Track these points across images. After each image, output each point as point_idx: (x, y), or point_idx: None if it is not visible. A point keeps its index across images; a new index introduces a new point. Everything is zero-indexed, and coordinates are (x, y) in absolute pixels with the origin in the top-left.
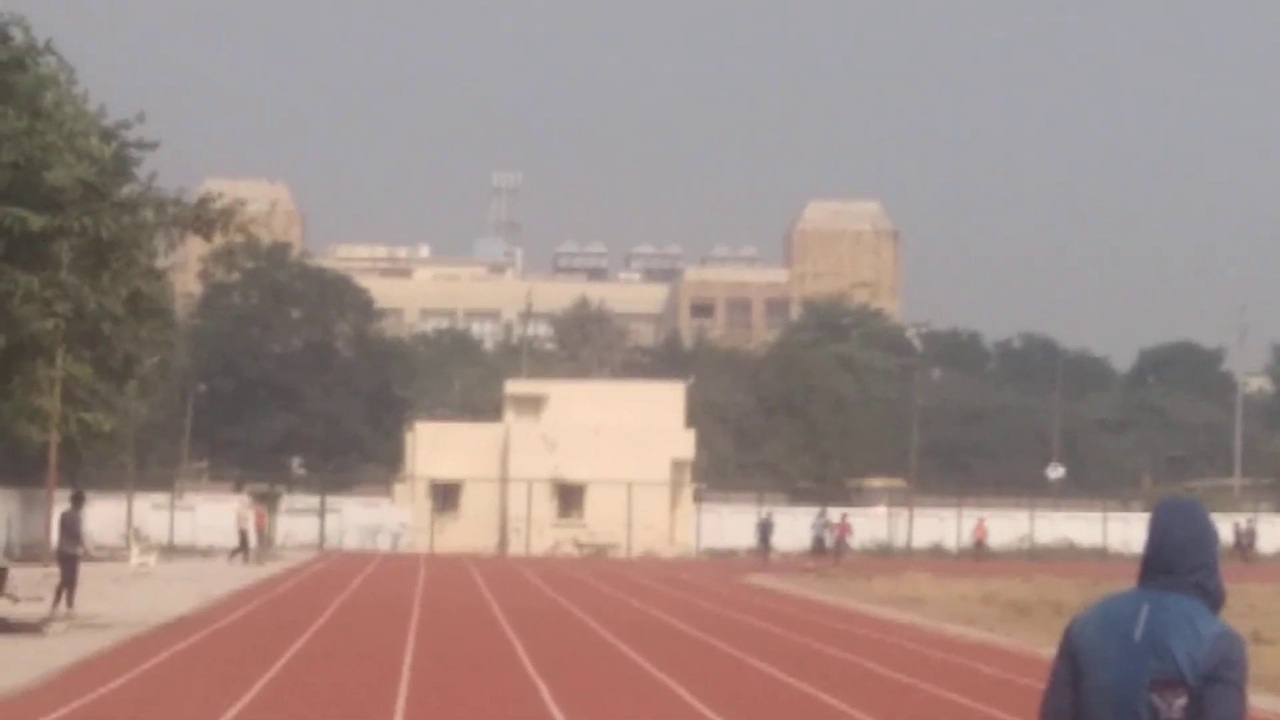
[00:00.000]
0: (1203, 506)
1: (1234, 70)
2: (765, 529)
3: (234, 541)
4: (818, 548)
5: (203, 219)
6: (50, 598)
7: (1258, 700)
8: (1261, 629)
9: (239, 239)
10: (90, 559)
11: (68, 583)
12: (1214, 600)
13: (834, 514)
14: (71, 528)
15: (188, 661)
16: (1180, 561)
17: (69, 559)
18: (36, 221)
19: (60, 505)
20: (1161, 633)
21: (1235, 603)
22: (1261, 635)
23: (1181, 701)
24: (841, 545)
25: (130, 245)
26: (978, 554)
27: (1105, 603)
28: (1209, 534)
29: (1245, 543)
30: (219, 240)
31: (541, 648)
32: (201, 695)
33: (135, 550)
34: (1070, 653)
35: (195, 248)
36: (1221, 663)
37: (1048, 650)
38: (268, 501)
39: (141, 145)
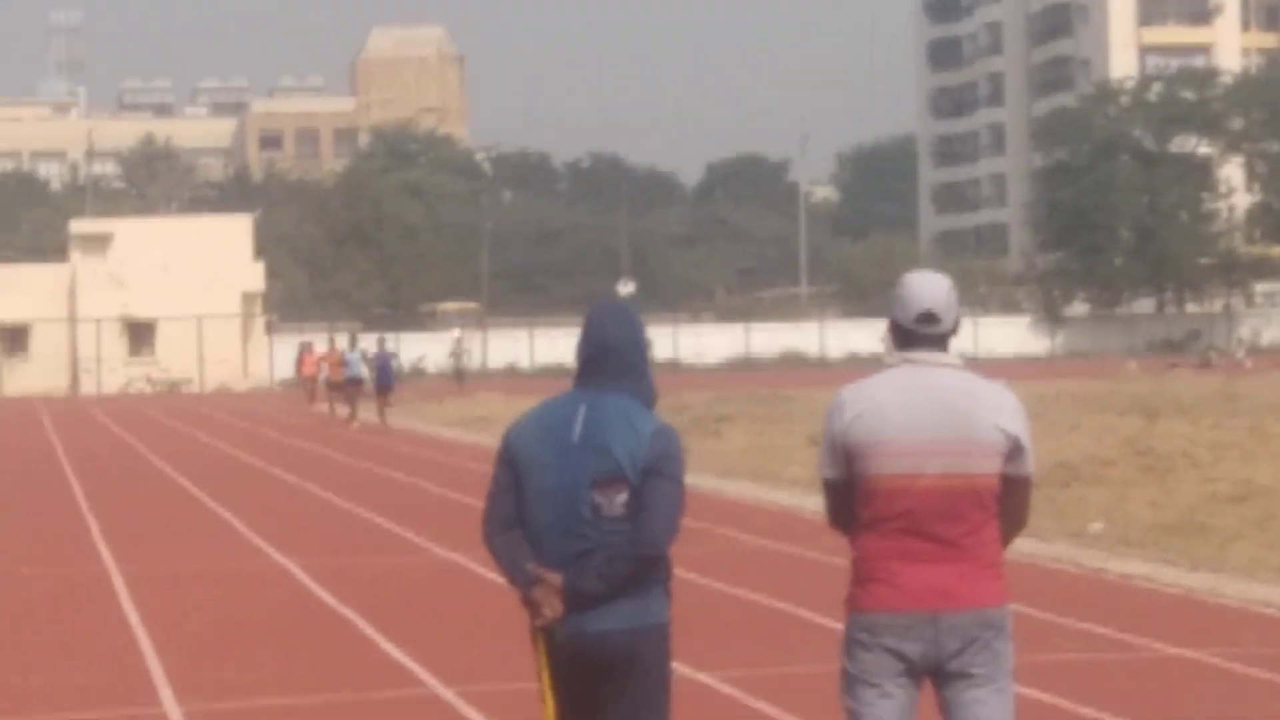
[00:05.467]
0: (634, 309)
1: None
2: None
3: None
4: None
5: None
6: None
7: (708, 482)
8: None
9: None
10: None
11: None
12: (647, 398)
13: None
14: None
15: None
16: (615, 361)
17: None
18: None
19: None
20: (600, 432)
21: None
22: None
23: (623, 497)
24: None
25: None
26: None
27: (542, 407)
28: (641, 335)
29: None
30: None
31: (100, 486)
32: None
33: None
34: (509, 459)
35: None
36: (660, 457)
37: None
38: None
39: None
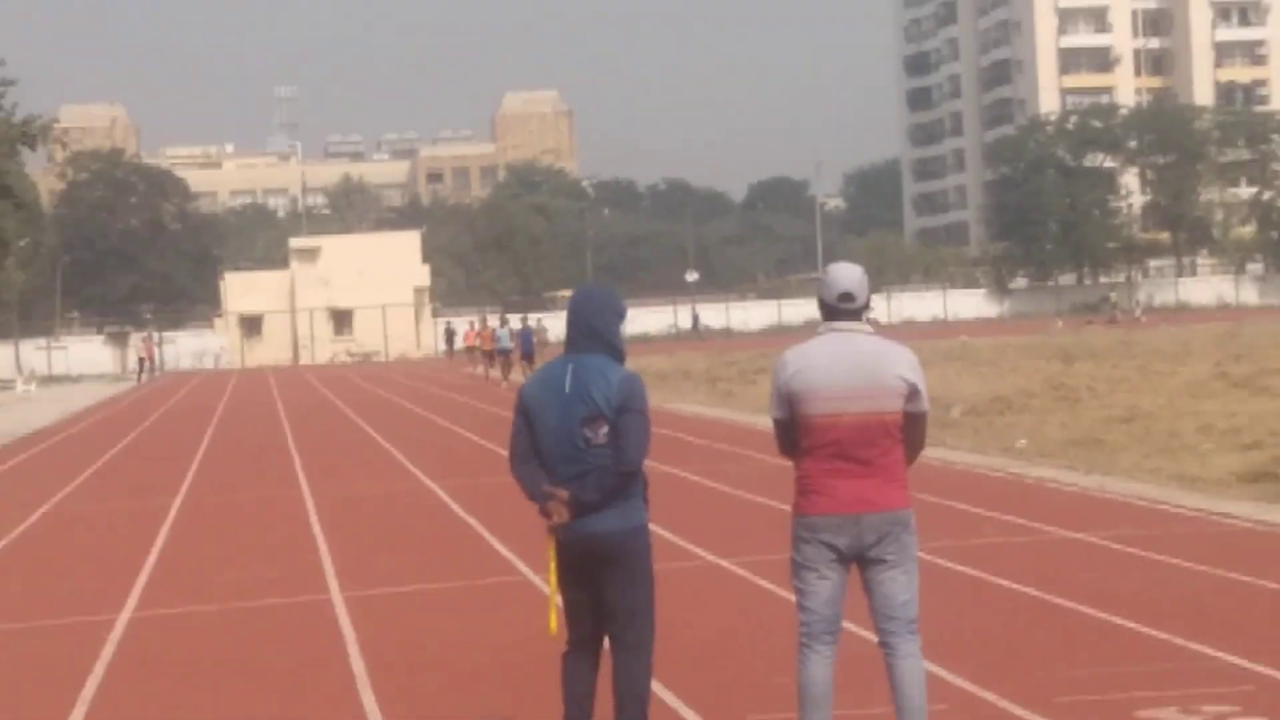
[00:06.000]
0: (611, 291)
1: None
2: (449, 334)
3: (101, 370)
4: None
5: (27, 135)
6: None
7: (745, 417)
8: None
9: (57, 148)
10: None
11: None
12: (618, 355)
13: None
14: None
15: (43, 460)
16: (589, 330)
17: None
18: None
19: None
20: (583, 382)
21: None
22: None
23: (604, 430)
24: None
25: None
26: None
27: (544, 368)
28: (609, 310)
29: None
30: (42, 149)
31: (305, 430)
32: (53, 483)
33: (19, 381)
34: (523, 408)
35: (57, 155)
36: (627, 397)
37: (674, 405)
38: (157, 339)
39: (5, 82)
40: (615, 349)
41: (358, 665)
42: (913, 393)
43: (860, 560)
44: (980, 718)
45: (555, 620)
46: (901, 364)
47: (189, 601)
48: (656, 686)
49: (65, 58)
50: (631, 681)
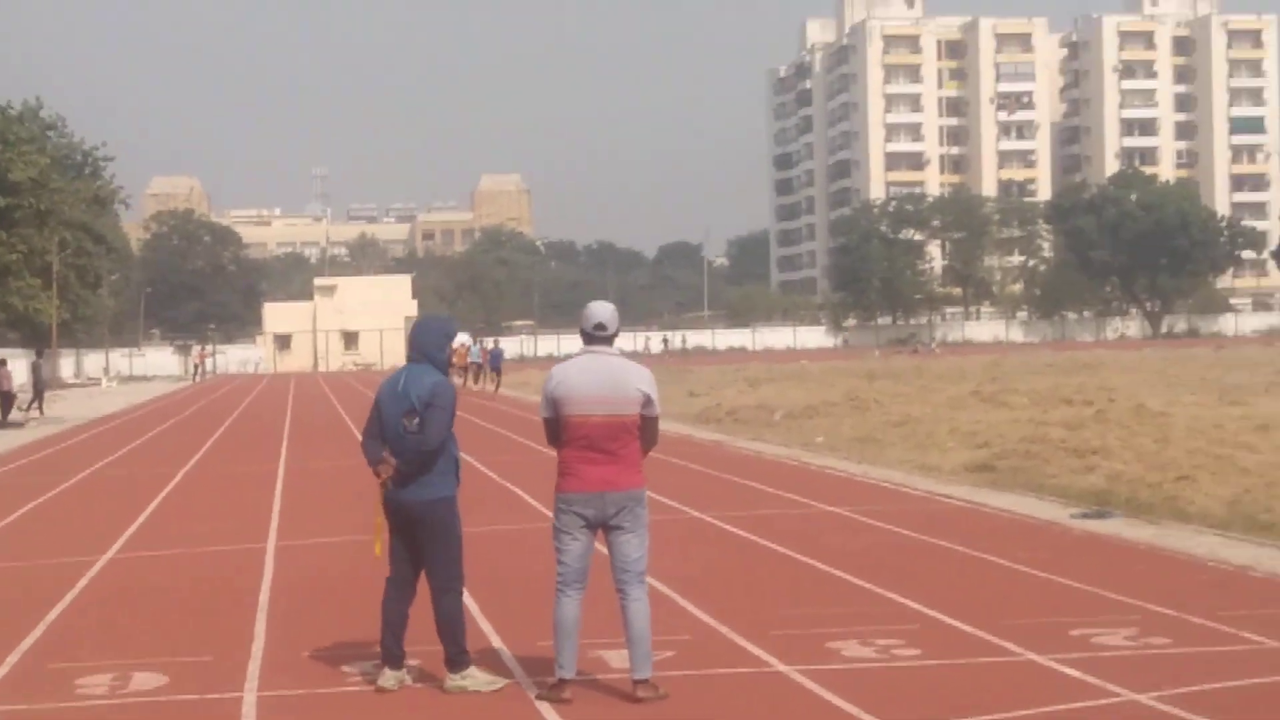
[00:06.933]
0: (441, 319)
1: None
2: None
3: (169, 373)
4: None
5: (99, 198)
6: (30, 408)
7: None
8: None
9: (123, 207)
10: (65, 386)
11: (38, 397)
12: (440, 366)
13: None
14: (37, 370)
15: (101, 438)
16: (419, 346)
17: (39, 386)
18: (1, 201)
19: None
20: (409, 385)
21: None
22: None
23: (416, 421)
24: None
25: (60, 213)
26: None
27: (392, 375)
28: (442, 332)
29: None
30: (112, 209)
31: (302, 417)
32: (99, 454)
33: (104, 379)
34: (377, 402)
35: (145, 211)
36: (433, 396)
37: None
38: (210, 350)
39: (106, 158)
40: (438, 361)
41: (264, 596)
42: (647, 401)
43: (604, 527)
44: (713, 646)
45: (380, 547)
46: (640, 379)
47: (158, 547)
48: (477, 615)
49: (157, 139)
50: (445, 613)
